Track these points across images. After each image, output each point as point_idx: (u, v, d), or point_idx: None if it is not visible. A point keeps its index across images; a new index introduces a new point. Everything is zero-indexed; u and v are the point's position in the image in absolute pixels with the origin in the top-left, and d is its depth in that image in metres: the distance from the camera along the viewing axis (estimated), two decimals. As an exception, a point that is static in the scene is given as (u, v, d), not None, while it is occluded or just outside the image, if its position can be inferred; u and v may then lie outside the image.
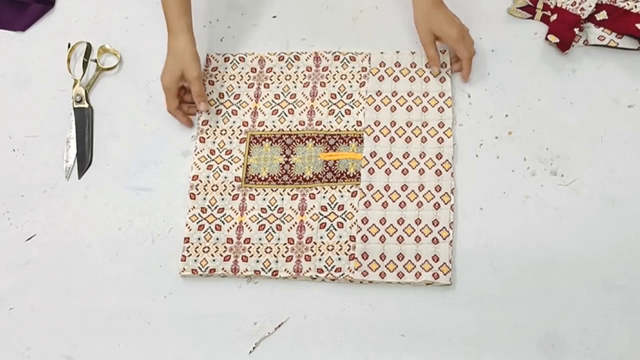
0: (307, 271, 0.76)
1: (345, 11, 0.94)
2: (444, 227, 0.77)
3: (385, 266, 0.76)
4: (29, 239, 0.83)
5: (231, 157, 0.84)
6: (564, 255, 0.76)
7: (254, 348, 0.75)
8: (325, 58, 0.89)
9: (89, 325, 0.77)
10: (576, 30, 0.85)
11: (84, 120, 0.89)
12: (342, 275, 0.76)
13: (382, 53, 0.89)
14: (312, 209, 0.80)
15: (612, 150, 0.81)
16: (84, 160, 0.87)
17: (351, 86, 0.87)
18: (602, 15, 0.86)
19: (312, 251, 0.78)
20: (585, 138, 0.82)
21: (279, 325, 0.76)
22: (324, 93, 0.87)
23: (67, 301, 0.79)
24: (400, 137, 0.83)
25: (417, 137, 0.83)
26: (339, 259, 0.77)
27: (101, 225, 0.83)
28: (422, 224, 0.78)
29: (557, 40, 0.85)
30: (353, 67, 0.88)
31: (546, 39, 0.87)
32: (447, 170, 0.80)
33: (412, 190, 0.80)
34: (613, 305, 0.74)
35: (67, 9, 0.98)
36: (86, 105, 0.90)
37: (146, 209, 0.83)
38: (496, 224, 0.78)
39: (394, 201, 0.79)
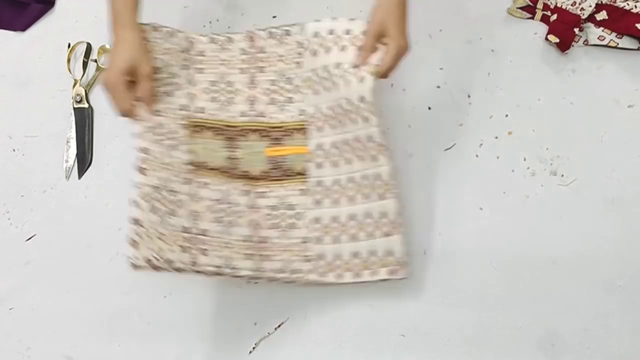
0: (268, 271, 0.74)
1: (345, 11, 0.94)
2: (394, 218, 0.73)
3: (341, 266, 0.74)
4: (29, 239, 0.83)
5: (175, 137, 0.76)
6: (564, 255, 0.76)
7: (254, 348, 0.75)
8: (260, 37, 0.82)
9: (89, 325, 0.77)
10: (576, 30, 0.85)
11: (84, 120, 0.89)
12: (300, 277, 0.74)
13: (317, 21, 0.81)
14: (263, 208, 0.77)
15: (612, 150, 0.81)
16: (84, 160, 0.87)
17: (289, 68, 0.80)
18: (602, 15, 0.86)
19: (271, 251, 0.75)
20: (585, 138, 0.82)
21: (279, 325, 0.76)
22: (263, 79, 0.81)
23: (67, 301, 0.79)
24: (340, 121, 0.76)
25: (348, 119, 0.75)
26: (295, 260, 0.74)
27: (101, 225, 0.83)
28: (373, 217, 0.74)
29: (557, 40, 0.85)
30: (288, 44, 0.81)
31: (546, 39, 0.87)
32: (381, 154, 0.73)
33: (357, 182, 0.75)
34: (613, 305, 0.74)
35: (67, 9, 0.98)
36: (86, 106, 0.90)
37: (146, 209, 0.83)
38: (496, 224, 0.79)
39: (343, 196, 0.75)
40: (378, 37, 0.74)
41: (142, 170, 0.72)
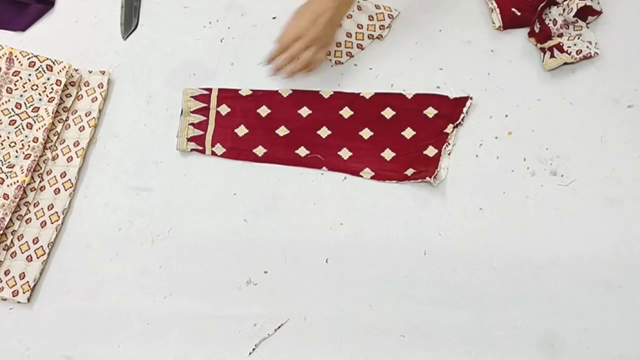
0: None
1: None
2: (42, 246, 0.80)
3: None
4: (29, 239, 0.83)
5: None
6: (564, 255, 0.76)
7: (253, 349, 0.75)
8: (19, 62, 0.88)
9: (89, 325, 0.77)
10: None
11: None
12: None
13: (76, 70, 0.90)
14: None
15: (612, 150, 0.81)
16: (130, 24, 0.94)
17: (40, 99, 0.87)
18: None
19: None
20: (585, 138, 0.82)
21: (279, 327, 0.76)
22: (9, 100, 0.86)
23: (67, 301, 0.79)
24: (52, 152, 0.86)
25: (62, 154, 0.86)
26: None
27: (101, 225, 0.83)
28: (23, 240, 0.81)
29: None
30: (48, 79, 0.87)
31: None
32: (65, 190, 0.83)
33: (28, 208, 0.83)
34: (613, 305, 0.74)
35: (67, 9, 0.98)
36: None
37: (146, 209, 0.83)
38: (496, 224, 0.78)
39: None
40: (294, 41, 0.81)
41: None
